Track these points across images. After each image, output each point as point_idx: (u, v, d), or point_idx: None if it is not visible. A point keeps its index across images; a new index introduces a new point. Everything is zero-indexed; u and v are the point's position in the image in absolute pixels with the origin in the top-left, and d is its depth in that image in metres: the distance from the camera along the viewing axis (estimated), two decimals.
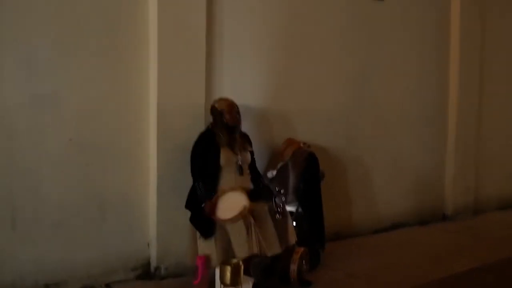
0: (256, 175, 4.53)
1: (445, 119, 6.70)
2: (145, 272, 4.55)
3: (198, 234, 4.23)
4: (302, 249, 4.39)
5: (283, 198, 4.26)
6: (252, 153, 4.53)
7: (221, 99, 4.44)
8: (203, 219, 4.16)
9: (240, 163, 4.35)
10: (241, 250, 4.01)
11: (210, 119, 4.46)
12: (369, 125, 5.98)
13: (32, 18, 3.97)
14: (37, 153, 4.03)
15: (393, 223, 6.27)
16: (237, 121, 4.37)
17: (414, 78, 6.38)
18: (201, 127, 4.47)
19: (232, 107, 4.37)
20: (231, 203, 4.10)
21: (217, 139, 4.31)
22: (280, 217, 4.22)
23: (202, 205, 4.15)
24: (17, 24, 3.91)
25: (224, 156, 4.28)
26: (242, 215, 4.03)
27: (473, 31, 6.74)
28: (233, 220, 4.03)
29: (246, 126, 4.64)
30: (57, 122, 4.10)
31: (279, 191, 4.26)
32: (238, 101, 4.49)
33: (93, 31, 4.22)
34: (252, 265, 4.19)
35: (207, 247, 4.16)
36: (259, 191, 4.37)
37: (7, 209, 3.94)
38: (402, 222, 6.34)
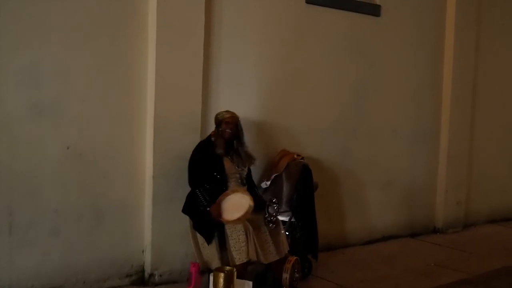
0: (251, 186, 4.60)
1: (437, 134, 6.80)
2: (140, 278, 4.62)
3: (200, 240, 4.29)
4: (294, 258, 4.46)
5: (276, 208, 4.33)
6: (249, 168, 4.62)
7: (226, 111, 4.49)
8: (207, 225, 4.22)
9: (239, 175, 4.46)
10: (239, 255, 4.08)
11: (208, 129, 4.56)
12: (362, 139, 6.06)
13: (34, 27, 4.05)
14: (35, 159, 4.10)
15: (384, 235, 6.34)
16: (231, 134, 4.43)
17: (408, 94, 6.47)
18: (196, 137, 4.58)
19: (231, 119, 4.43)
20: (235, 204, 4.19)
21: (214, 148, 4.40)
22: (274, 226, 4.30)
23: (208, 209, 4.18)
24: (20, 33, 3.99)
25: (225, 166, 4.38)
26: (248, 214, 4.13)
27: (467, 49, 6.85)
28: (240, 219, 4.11)
29: None
30: (56, 130, 4.18)
31: (272, 200, 4.34)
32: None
33: (93, 43, 4.31)
34: (247, 271, 4.28)
35: (209, 252, 4.24)
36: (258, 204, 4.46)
37: (4, 214, 3.99)
38: (393, 234, 6.42)
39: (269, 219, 4.28)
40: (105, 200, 4.42)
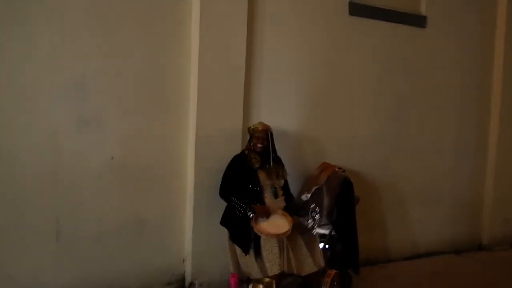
0: (288, 197, 4.61)
1: (484, 149, 6.62)
2: (180, 287, 4.70)
3: (238, 250, 4.33)
4: (334, 272, 4.42)
5: (318, 216, 4.32)
6: (286, 179, 4.64)
7: (258, 123, 4.57)
8: (244, 234, 4.26)
9: (276, 185, 4.48)
10: (272, 266, 4.10)
11: None
12: (405, 153, 5.97)
13: (81, 44, 4.21)
14: (81, 170, 4.25)
15: (427, 251, 6.22)
16: (262, 148, 4.47)
17: (454, 108, 6.33)
18: (238, 150, 4.61)
19: (262, 133, 4.48)
20: (276, 224, 4.23)
21: (249, 161, 4.45)
22: (316, 231, 4.25)
23: (251, 214, 4.21)
24: (67, 50, 4.15)
25: (260, 178, 4.42)
26: (282, 236, 4.16)
27: None
28: (273, 236, 4.13)
29: (281, 150, 4.74)
30: (100, 141, 4.32)
31: (314, 209, 4.32)
32: (274, 126, 4.62)
33: (137, 60, 4.44)
34: (284, 285, 4.28)
35: (248, 262, 4.26)
36: (292, 208, 4.49)
37: (52, 221, 4.16)
38: (437, 250, 6.28)
39: (311, 225, 4.26)
40: (147, 210, 4.53)
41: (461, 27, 6.29)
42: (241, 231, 4.29)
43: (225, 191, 4.43)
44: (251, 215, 4.22)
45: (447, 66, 6.22)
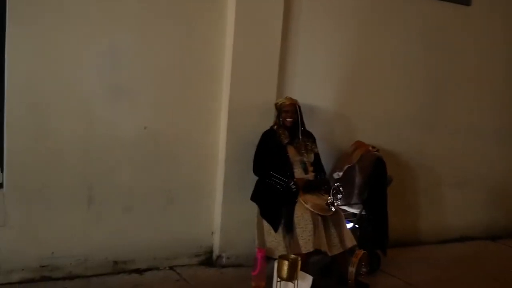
0: (319, 172, 4.55)
1: None
2: (208, 259, 4.74)
3: (266, 227, 4.32)
4: (362, 252, 4.38)
5: (340, 195, 4.24)
6: (316, 153, 4.58)
7: (285, 97, 4.52)
8: (276, 211, 4.24)
9: (305, 160, 4.43)
10: (306, 244, 4.06)
11: None
12: (442, 133, 5.84)
13: (114, 13, 4.19)
14: (113, 138, 4.27)
15: (461, 236, 6.10)
16: (292, 122, 4.42)
17: (495, 90, 6.14)
18: (270, 124, 4.56)
19: (290, 107, 4.43)
20: (314, 201, 4.21)
21: (278, 137, 4.40)
22: (333, 210, 4.22)
23: (292, 185, 4.21)
24: (101, 18, 4.14)
25: (290, 154, 4.37)
26: (329, 213, 4.16)
27: None
28: (315, 207, 4.13)
29: (315, 126, 4.69)
30: (133, 110, 4.32)
31: (338, 187, 4.24)
32: (307, 102, 4.59)
33: (172, 30, 4.41)
34: (311, 263, 4.26)
35: (275, 239, 4.26)
36: (318, 181, 4.45)
37: (84, 188, 4.21)
38: (472, 235, 6.16)
39: (330, 202, 4.20)
40: (178, 181, 4.55)
41: (507, 6, 6.04)
42: (273, 207, 4.27)
43: (261, 167, 4.40)
44: (294, 189, 4.20)
45: (491, 46, 6.02)
